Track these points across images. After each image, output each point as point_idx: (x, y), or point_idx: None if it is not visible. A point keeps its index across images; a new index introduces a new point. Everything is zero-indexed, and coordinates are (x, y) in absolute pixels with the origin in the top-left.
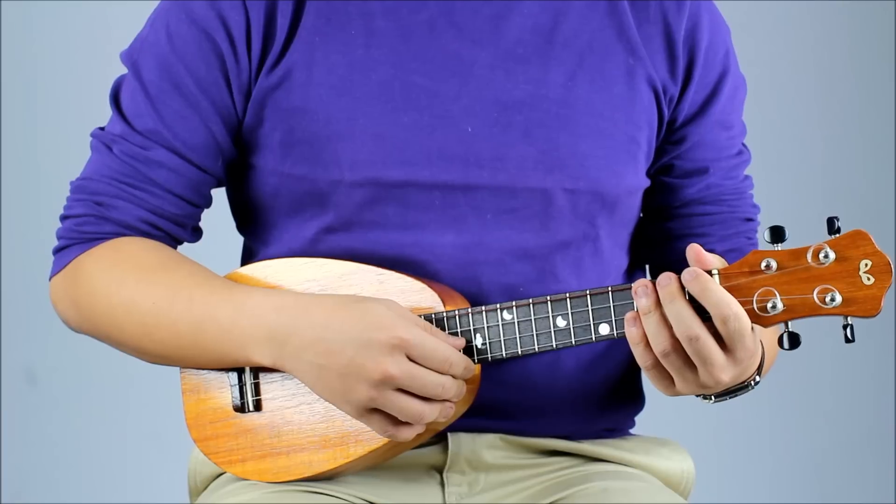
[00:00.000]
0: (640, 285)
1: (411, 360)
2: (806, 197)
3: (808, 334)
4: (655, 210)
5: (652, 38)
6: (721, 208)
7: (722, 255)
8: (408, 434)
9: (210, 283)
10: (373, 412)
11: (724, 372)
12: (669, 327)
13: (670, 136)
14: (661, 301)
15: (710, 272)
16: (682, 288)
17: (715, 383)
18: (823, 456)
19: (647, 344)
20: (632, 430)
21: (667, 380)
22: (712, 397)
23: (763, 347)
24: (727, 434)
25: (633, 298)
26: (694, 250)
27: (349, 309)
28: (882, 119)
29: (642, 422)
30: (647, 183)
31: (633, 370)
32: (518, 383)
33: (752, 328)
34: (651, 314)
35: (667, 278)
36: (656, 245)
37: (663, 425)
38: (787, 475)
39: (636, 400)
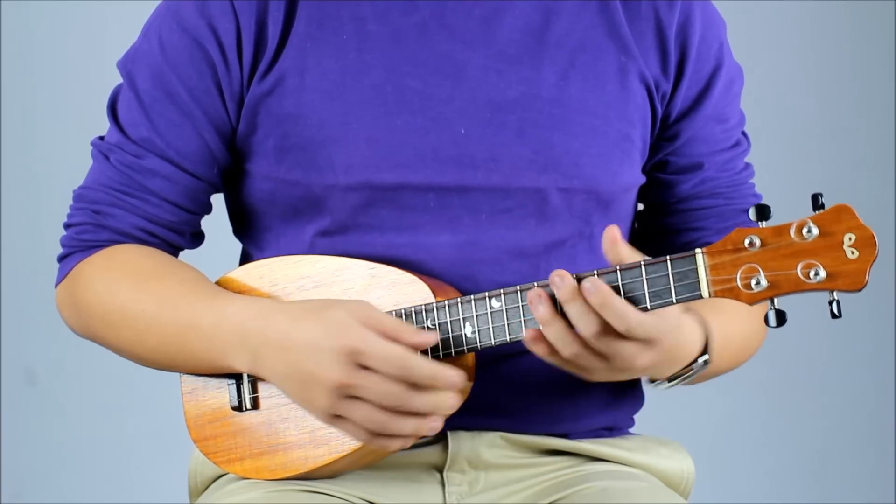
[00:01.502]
0: (534, 295)
1: (367, 366)
2: (805, 197)
3: (807, 334)
4: (651, 206)
5: (644, 35)
6: (717, 201)
7: None
8: (383, 443)
9: (197, 290)
10: (340, 418)
11: (640, 357)
12: (573, 330)
13: (664, 132)
14: (561, 302)
15: (695, 254)
16: (578, 288)
17: (634, 370)
18: (823, 456)
19: (555, 352)
20: (631, 430)
21: (584, 371)
22: (665, 382)
23: (709, 328)
24: (727, 434)
25: (615, 281)
26: (609, 235)
27: (311, 316)
28: (882, 119)
29: (642, 421)
30: (642, 180)
31: None
32: (517, 381)
33: (691, 309)
34: (551, 323)
35: (560, 278)
36: (654, 239)
37: (663, 425)
38: (787, 475)
39: (635, 398)
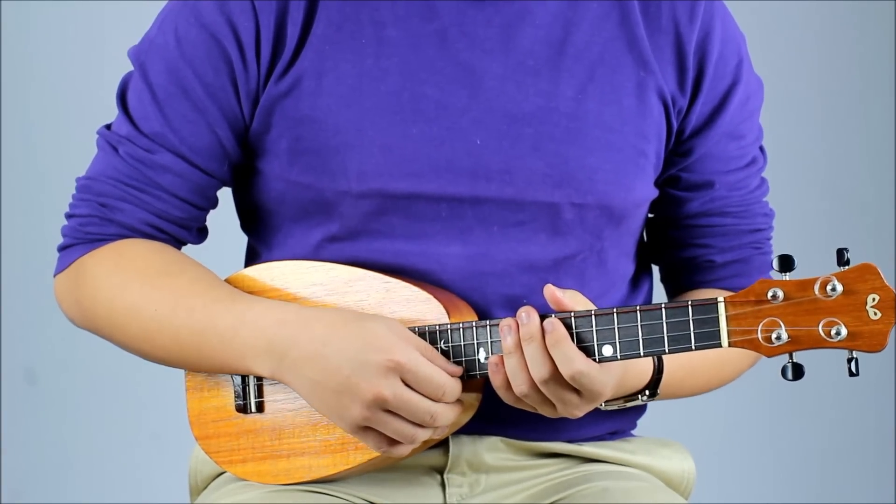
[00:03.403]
0: (505, 325)
1: (406, 383)
2: (806, 199)
3: None
4: (659, 218)
5: (663, 49)
6: (725, 220)
7: (723, 265)
8: (402, 451)
9: (213, 290)
10: (366, 430)
11: (580, 409)
12: (527, 369)
13: (678, 147)
14: (521, 340)
15: (717, 302)
16: (542, 329)
17: (571, 416)
18: (823, 456)
19: (509, 387)
20: (633, 432)
21: (531, 409)
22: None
23: (657, 369)
24: (727, 434)
25: (634, 321)
26: (549, 292)
27: (349, 326)
28: (882, 120)
29: (644, 422)
30: (655, 194)
31: None
32: None
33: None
34: (512, 354)
35: (526, 316)
36: (663, 250)
37: (664, 426)
38: (788, 475)
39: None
